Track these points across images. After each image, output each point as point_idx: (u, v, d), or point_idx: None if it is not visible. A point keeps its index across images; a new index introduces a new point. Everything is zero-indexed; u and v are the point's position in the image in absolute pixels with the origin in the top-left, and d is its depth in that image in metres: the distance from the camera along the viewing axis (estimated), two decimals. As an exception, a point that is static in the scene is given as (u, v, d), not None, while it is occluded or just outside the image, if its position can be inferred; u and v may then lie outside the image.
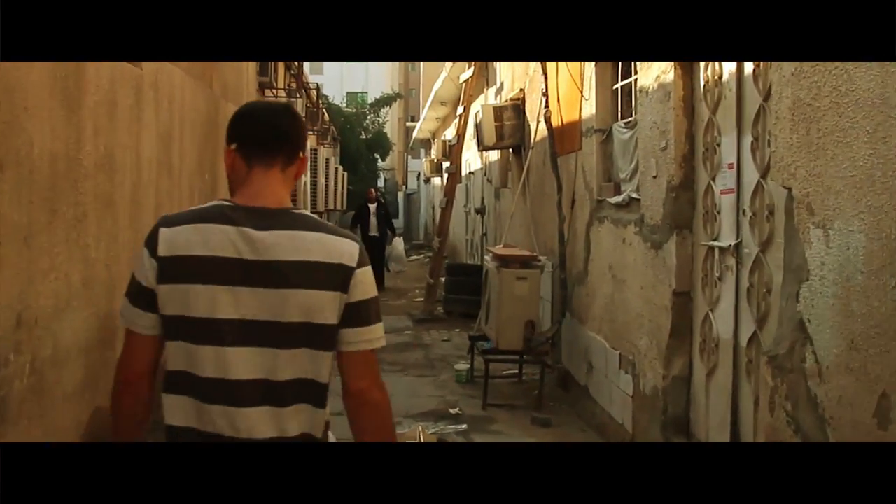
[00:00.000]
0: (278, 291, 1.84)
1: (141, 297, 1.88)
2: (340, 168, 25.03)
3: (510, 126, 9.54)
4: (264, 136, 1.96)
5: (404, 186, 45.17)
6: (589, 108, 6.61)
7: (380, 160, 37.23)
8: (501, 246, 7.89)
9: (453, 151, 12.22)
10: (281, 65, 14.60)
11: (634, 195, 5.65)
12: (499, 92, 11.51)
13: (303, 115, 16.13)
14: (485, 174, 13.20)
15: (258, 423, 1.85)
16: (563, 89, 7.45)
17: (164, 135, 7.01)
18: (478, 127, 10.15)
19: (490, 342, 7.36)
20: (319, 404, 1.92)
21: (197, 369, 1.85)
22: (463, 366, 7.95)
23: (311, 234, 1.89)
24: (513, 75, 10.45)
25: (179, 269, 1.84)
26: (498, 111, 9.53)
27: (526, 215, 9.10)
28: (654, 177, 5.07)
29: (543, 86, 7.89)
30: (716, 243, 4.42)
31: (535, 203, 8.84)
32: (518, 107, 9.58)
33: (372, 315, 1.95)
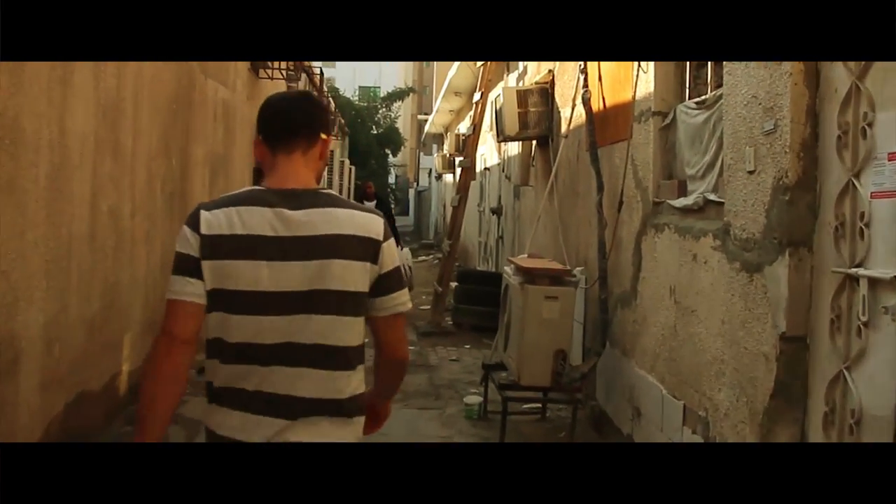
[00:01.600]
0: (314, 263, 2.02)
1: (188, 266, 2.04)
2: (347, 162, 23.73)
3: (536, 113, 8.11)
4: (282, 125, 2.13)
5: (415, 183, 44.21)
6: (645, 85, 5.17)
7: (391, 156, 36.07)
8: (526, 256, 6.45)
9: (468, 144, 10.78)
10: (279, 43, 13.19)
11: (712, 197, 4.22)
12: (521, 77, 10.07)
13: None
14: (502, 170, 11.75)
15: (297, 382, 2.04)
16: (609, 64, 6.01)
17: (108, 107, 5.63)
18: (497, 114, 8.72)
19: (509, 373, 5.94)
20: (350, 367, 2.10)
21: (239, 336, 2.02)
22: (474, 399, 6.52)
23: (342, 210, 2.07)
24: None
25: (221, 247, 2.01)
26: (522, 96, 8.10)
27: (552, 218, 7.68)
28: (751, 172, 3.64)
29: (582, 62, 6.45)
30: (861, 271, 2.97)
31: (565, 204, 7.40)
32: (545, 91, 8.15)
33: (398, 282, 2.15)
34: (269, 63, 11.87)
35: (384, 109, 35.35)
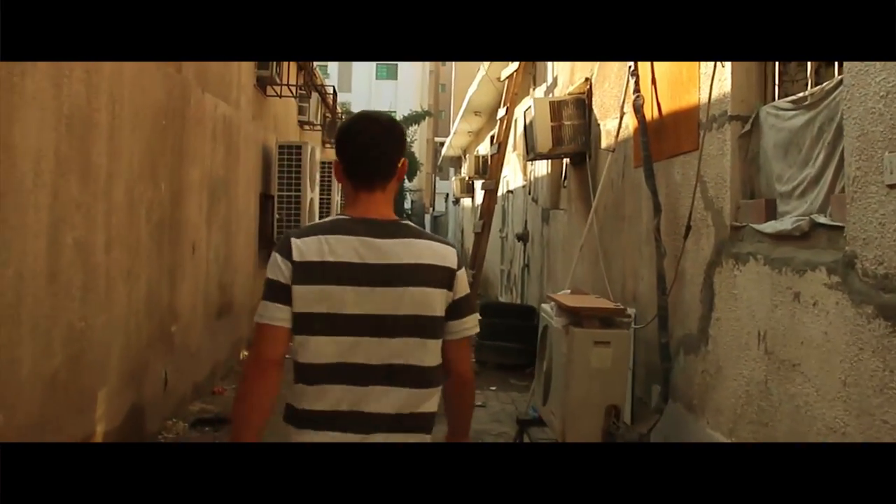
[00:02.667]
0: (396, 289, 2.13)
1: (279, 293, 2.13)
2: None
3: (571, 127, 7.20)
4: (361, 168, 2.21)
5: (431, 208, 43.57)
6: (717, 85, 4.24)
7: (406, 181, 35.44)
8: (567, 292, 5.50)
9: (492, 164, 9.87)
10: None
11: (823, 220, 3.27)
12: (550, 89, 9.18)
13: (316, 121, 13.97)
14: (529, 192, 10.83)
15: (378, 400, 2.13)
16: (665, 63, 5.10)
17: (74, 119, 4.77)
18: (527, 130, 7.82)
19: (550, 431, 5.00)
20: (431, 385, 2.20)
21: (327, 357, 2.13)
22: (507, 458, 5.55)
23: (421, 241, 2.20)
24: (571, 67, 8.12)
25: (312, 273, 2.11)
26: (556, 107, 7.20)
27: (591, 246, 6.74)
28: (893, 186, 2.69)
29: (632, 63, 5.53)
30: None
31: (607, 229, 6.47)
32: (582, 102, 7.24)
33: (471, 307, 2.29)
34: (277, 80, 11.08)
35: (400, 134, 34.80)
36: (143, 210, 6.04)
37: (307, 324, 2.13)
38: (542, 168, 9.89)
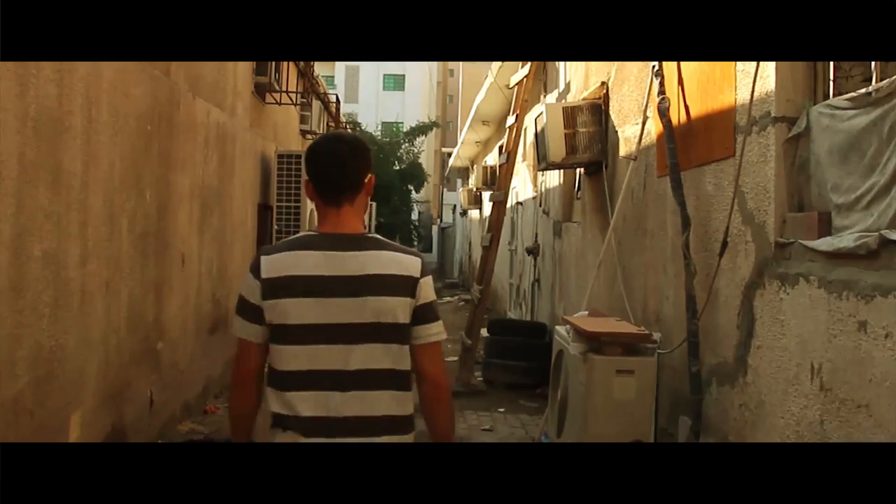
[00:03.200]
0: (359, 299, 2.25)
1: (250, 312, 2.28)
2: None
3: (586, 135, 6.73)
4: (328, 185, 2.32)
5: (439, 220, 43.20)
6: (762, 83, 3.76)
7: (413, 192, 35.07)
8: (586, 313, 5.02)
9: (500, 175, 9.40)
10: (289, 65, 11.99)
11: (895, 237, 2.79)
12: (562, 96, 8.72)
13: (319, 130, 13.54)
14: (539, 205, 10.36)
15: (347, 404, 2.25)
16: (694, 63, 4.63)
17: (42, 122, 4.34)
18: (538, 138, 7.35)
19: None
20: (400, 388, 2.31)
21: (296, 365, 2.25)
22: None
23: (385, 252, 2.32)
24: (586, 70, 7.66)
25: (280, 288, 2.24)
26: (570, 114, 6.73)
27: (609, 262, 6.26)
28: None
29: (655, 63, 5.06)
30: None
31: (627, 244, 5.99)
32: (598, 108, 6.78)
33: (434, 314, 2.38)
34: (277, 86, 10.64)
35: (407, 144, 34.71)
36: (125, 220, 5.58)
37: (278, 334, 2.26)
38: (553, 179, 9.42)
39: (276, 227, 10.31)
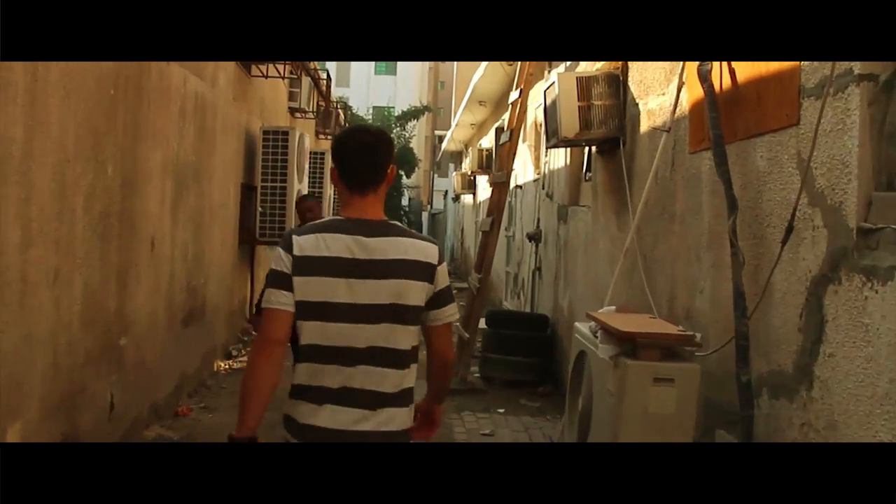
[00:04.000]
0: (382, 281, 2.42)
1: (282, 281, 2.44)
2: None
3: (602, 108, 6.05)
4: (358, 175, 2.52)
5: (429, 206, 42.62)
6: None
7: (404, 177, 34.46)
8: (613, 309, 4.35)
9: (503, 153, 8.71)
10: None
11: None
12: (571, 69, 8.02)
13: (308, 108, 12.85)
14: (542, 187, 9.67)
15: (363, 378, 2.44)
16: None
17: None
18: (547, 112, 6.67)
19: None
20: (407, 365, 2.52)
21: (321, 340, 2.44)
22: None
23: (406, 239, 2.51)
24: (598, 40, 6.96)
25: (309, 266, 2.42)
26: (584, 84, 6.04)
27: (624, 249, 5.59)
28: None
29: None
30: None
31: (650, 230, 5.32)
32: (616, 78, 6.10)
33: (449, 298, 2.59)
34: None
35: (398, 129, 34.15)
36: (80, 198, 4.88)
37: (305, 311, 2.42)
38: (558, 159, 8.74)
39: (260, 208, 9.61)
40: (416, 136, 40.79)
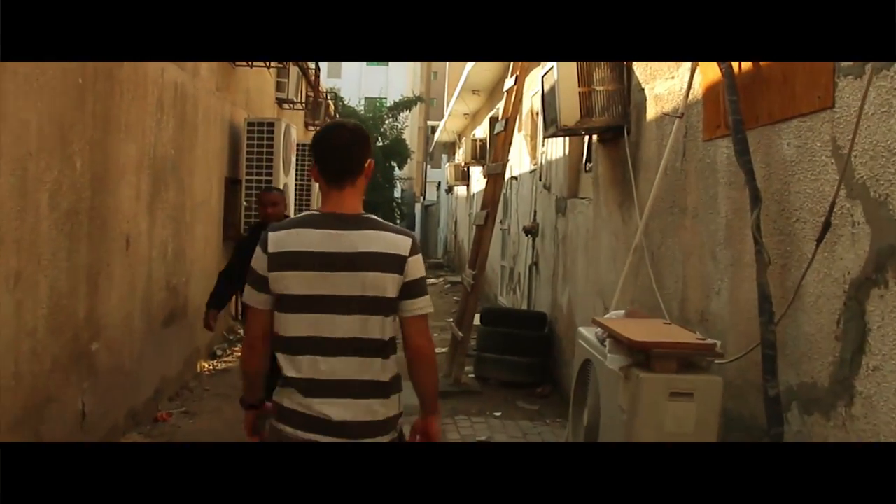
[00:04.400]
0: (353, 274, 2.51)
1: (259, 282, 2.57)
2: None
3: (605, 94, 5.69)
4: (333, 169, 2.62)
5: (422, 197, 42.27)
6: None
7: (397, 169, 34.08)
8: (622, 314, 3.99)
9: (498, 143, 8.34)
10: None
11: None
12: (569, 56, 7.65)
13: (297, 99, 12.47)
14: (539, 178, 9.31)
15: (340, 368, 2.53)
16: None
17: None
18: (545, 99, 6.31)
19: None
20: (385, 355, 2.59)
21: (299, 331, 2.54)
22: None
23: (378, 232, 2.58)
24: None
25: (283, 261, 2.52)
26: (585, 69, 5.67)
27: (630, 246, 5.24)
28: None
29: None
30: None
31: (658, 225, 4.97)
32: (619, 62, 5.72)
33: (421, 290, 2.64)
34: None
35: (391, 120, 33.79)
36: (45, 194, 4.51)
37: (282, 303, 2.55)
38: (556, 149, 8.38)
39: (245, 203, 9.22)
40: (409, 126, 40.36)
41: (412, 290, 2.59)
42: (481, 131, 15.43)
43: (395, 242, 2.57)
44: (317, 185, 9.58)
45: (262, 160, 9.12)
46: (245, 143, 9.21)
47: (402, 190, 40.63)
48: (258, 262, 2.57)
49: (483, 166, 12.35)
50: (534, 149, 9.94)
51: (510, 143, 8.22)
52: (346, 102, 31.55)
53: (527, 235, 9.62)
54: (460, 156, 18.57)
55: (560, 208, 8.14)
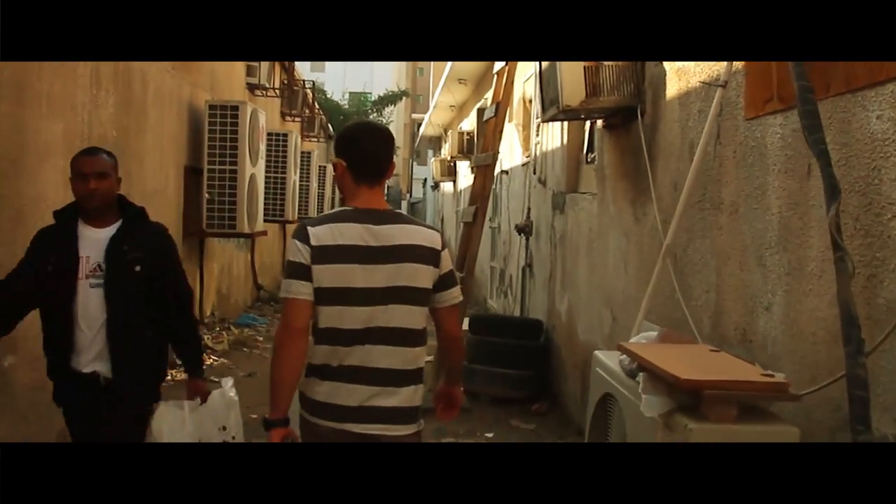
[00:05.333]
0: (394, 266, 2.61)
1: (302, 272, 2.60)
2: (330, 168, 20.62)
3: (614, 69, 4.87)
4: (370, 168, 2.73)
5: (408, 195, 41.61)
6: None
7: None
8: (654, 336, 3.14)
9: (488, 131, 7.48)
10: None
11: None
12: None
13: (269, 85, 11.63)
14: (533, 171, 8.46)
15: (380, 358, 2.62)
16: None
17: None
18: (543, 78, 5.46)
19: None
20: (418, 343, 2.72)
21: (340, 323, 2.60)
22: None
23: (412, 226, 2.71)
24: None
25: (327, 255, 2.58)
26: (591, 40, 4.80)
27: (642, 248, 4.41)
28: None
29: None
30: None
31: (683, 226, 4.11)
32: (631, 32, 4.85)
33: (454, 281, 2.80)
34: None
35: (375, 115, 33.19)
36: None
37: (323, 296, 2.59)
38: (552, 138, 7.54)
39: (207, 195, 8.33)
40: (395, 122, 39.63)
41: (446, 281, 2.75)
42: (468, 124, 14.60)
43: (430, 237, 2.72)
44: (293, 177, 8.67)
45: (227, 148, 8.24)
46: (207, 128, 8.32)
47: (389, 187, 39.94)
48: (299, 254, 2.60)
49: (471, 159, 11.50)
50: (526, 139, 9.09)
51: (501, 132, 7.36)
52: (329, 96, 30.79)
53: (519, 234, 8.77)
54: (446, 150, 17.74)
55: (557, 204, 7.29)
